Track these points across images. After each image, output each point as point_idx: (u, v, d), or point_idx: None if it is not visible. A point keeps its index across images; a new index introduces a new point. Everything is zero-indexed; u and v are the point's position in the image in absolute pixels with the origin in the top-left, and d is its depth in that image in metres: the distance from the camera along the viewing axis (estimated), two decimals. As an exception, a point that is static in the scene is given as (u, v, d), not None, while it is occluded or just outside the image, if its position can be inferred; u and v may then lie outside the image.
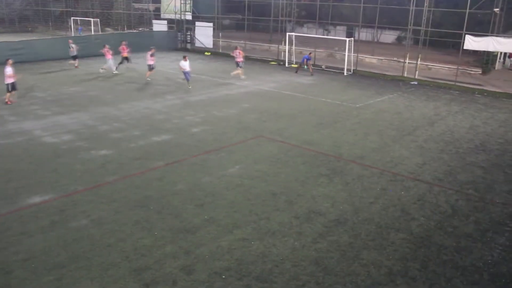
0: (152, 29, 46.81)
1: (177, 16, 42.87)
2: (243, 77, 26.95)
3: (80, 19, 54.44)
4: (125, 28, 53.41)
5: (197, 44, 41.72)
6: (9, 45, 33.11)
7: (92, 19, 51.35)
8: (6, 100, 19.83)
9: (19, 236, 9.15)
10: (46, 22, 64.07)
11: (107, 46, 28.49)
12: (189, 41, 42.09)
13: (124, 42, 29.06)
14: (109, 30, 54.25)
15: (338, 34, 41.49)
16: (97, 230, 9.39)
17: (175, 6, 43.16)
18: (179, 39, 42.40)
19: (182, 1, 42.46)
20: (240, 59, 27.22)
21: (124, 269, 8.08)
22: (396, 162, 13.72)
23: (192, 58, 36.18)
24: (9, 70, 19.44)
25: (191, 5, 43.49)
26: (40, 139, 15.23)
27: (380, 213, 10.47)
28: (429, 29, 30.93)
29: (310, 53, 30.70)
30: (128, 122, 17.29)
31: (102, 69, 28.50)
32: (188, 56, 24.85)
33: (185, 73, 24.07)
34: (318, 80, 27.56)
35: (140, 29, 50.23)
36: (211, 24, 40.95)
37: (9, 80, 19.60)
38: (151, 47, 28.26)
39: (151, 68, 26.14)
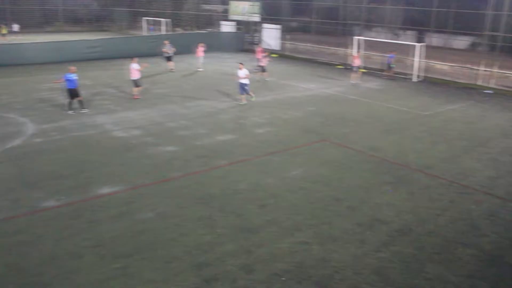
0: (220, 30, 47.65)
1: (245, 18, 43.38)
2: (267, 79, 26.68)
3: (152, 19, 56.35)
4: (194, 29, 54.68)
5: (264, 46, 41.94)
6: (87, 43, 34.89)
7: (163, 20, 53.02)
8: (134, 95, 21.16)
9: (89, 224, 9.62)
10: (121, 22, 66.88)
11: (201, 45, 30.35)
12: (256, 42, 42.42)
13: (200, 44, 30.16)
14: (179, 30, 55.78)
15: (408, 39, 40.33)
16: (162, 224, 9.68)
17: (243, 8, 43.72)
18: (246, 40, 42.88)
19: (250, 3, 42.92)
20: (263, 62, 26.86)
21: (186, 263, 8.27)
22: (467, 174, 13.13)
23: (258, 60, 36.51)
24: (135, 66, 20.56)
25: (259, 7, 43.83)
26: (111, 133, 15.93)
27: (448, 226, 10.07)
28: (509, 35, 29.39)
29: (392, 52, 29.66)
30: (194, 120, 17.71)
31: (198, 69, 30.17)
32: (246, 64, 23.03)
33: (240, 84, 20.57)
34: (385, 85, 26.94)
35: (208, 29, 51.25)
36: (278, 26, 41.09)
37: (134, 77, 20.69)
38: (200, 43, 29.94)
39: (263, 69, 26.66)
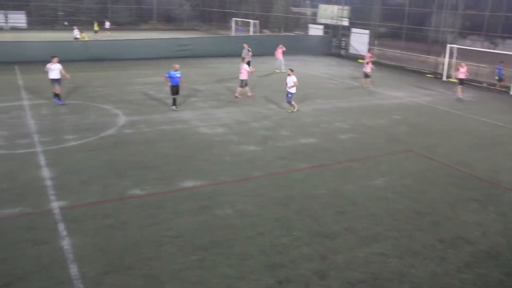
0: (307, 33, 47.59)
1: (334, 22, 42.98)
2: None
3: (241, 20, 57.50)
4: (282, 31, 55.06)
5: (351, 51, 41.37)
6: (178, 41, 36.34)
7: (251, 21, 53.91)
8: (237, 95, 21.86)
9: (171, 215, 10.00)
10: (210, 22, 68.95)
11: (280, 46, 30.48)
12: (343, 47, 41.94)
13: (280, 45, 30.28)
14: (266, 32, 56.43)
15: (508, 48, 37.89)
16: (240, 221, 9.84)
17: (332, 11, 43.34)
18: (333, 44, 42.48)
19: (340, 7, 42.47)
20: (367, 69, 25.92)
21: (261, 263, 8.34)
22: None
23: (345, 64, 36.16)
24: (245, 67, 21.29)
25: (349, 11, 43.23)
26: (197, 129, 16.46)
27: (542, 252, 9.34)
28: None
29: (500, 63, 27.94)
30: (277, 122, 17.84)
31: (277, 69, 30.47)
32: (293, 71, 19.71)
33: (287, 92, 19.23)
34: (478, 97, 25.51)
35: (296, 32, 51.38)
36: (367, 31, 40.29)
37: (243, 77, 21.37)
38: (280, 45, 29.87)
39: (366, 75, 26.23)
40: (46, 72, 18.98)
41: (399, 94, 24.89)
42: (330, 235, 9.41)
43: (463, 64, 25.12)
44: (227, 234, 9.28)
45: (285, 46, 31.25)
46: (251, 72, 20.97)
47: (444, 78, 31.27)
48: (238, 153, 14.12)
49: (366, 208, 10.77)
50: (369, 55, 28.91)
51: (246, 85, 21.71)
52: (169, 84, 18.74)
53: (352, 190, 11.73)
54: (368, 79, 26.29)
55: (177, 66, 18.69)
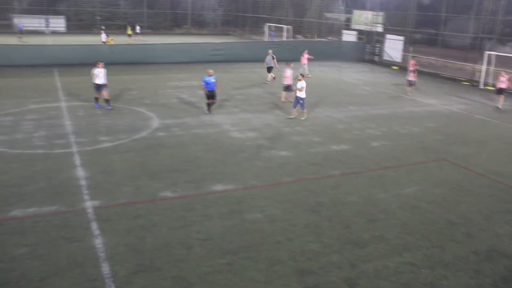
0: (341, 39, 47.32)
1: (368, 28, 42.60)
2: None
3: (274, 25, 57.66)
4: (315, 36, 54.94)
5: (385, 57, 40.89)
6: (212, 46, 36.71)
7: (285, 26, 53.98)
8: (282, 99, 22.05)
9: (201, 218, 10.08)
10: (244, 27, 69.41)
11: (305, 52, 30.25)
12: (377, 53, 41.50)
13: (306, 51, 30.25)
14: (299, 37, 56.40)
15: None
16: (269, 226, 9.84)
17: (366, 17, 42.99)
18: (367, 50, 42.08)
19: (374, 13, 42.07)
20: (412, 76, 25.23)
21: (289, 268, 8.31)
22: None
23: (378, 71, 35.79)
24: (289, 72, 21.39)
25: (383, 16, 42.79)
26: (228, 133, 16.57)
27: None
28: None
29: None
30: (309, 128, 17.78)
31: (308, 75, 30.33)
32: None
33: (296, 97, 18.67)
34: (517, 106, 24.82)
35: (329, 38, 51.18)
36: (401, 38, 39.76)
37: (287, 81, 21.51)
38: (305, 50, 29.86)
39: (410, 83, 25.74)
40: (91, 77, 19.11)
41: (433, 101, 24.45)
42: (361, 243, 9.31)
43: (503, 72, 24.19)
44: (256, 239, 9.30)
45: (318, 52, 31.19)
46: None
47: (481, 86, 30.54)
48: (269, 158, 14.14)
49: (398, 216, 10.60)
50: (413, 62, 28.34)
51: (291, 90, 21.70)
52: (205, 90, 18.76)
53: (384, 198, 11.58)
54: (411, 87, 25.73)
55: (211, 71, 18.75)
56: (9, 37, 44.50)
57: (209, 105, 19.05)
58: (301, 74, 18.73)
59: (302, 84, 18.05)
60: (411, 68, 26.12)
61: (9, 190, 11.11)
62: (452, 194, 12.12)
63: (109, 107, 19.34)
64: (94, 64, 19.24)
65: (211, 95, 18.83)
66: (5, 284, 7.56)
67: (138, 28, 55.76)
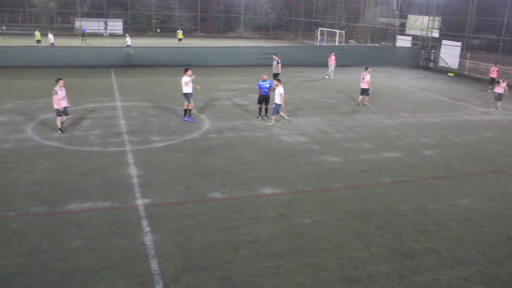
0: (394, 44, 46.37)
1: (423, 33, 41.52)
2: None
3: (326, 30, 57.25)
4: (368, 41, 54.12)
5: (441, 64, 39.71)
6: (262, 50, 36.90)
7: (337, 31, 53.49)
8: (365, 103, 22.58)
9: (249, 220, 10.14)
10: (296, 31, 69.36)
11: (332, 53, 31.23)
12: (432, 59, 40.36)
13: (333, 53, 31.31)
14: (352, 42, 55.73)
15: None
16: (317, 232, 9.75)
17: (422, 22, 41.90)
18: (422, 56, 40.99)
19: (431, 18, 40.95)
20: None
21: (336, 275, 8.21)
22: None
23: (433, 77, 34.84)
24: (367, 76, 21.90)
25: (439, 21, 41.57)
26: (279, 137, 16.58)
27: None
28: None
29: None
30: (360, 134, 17.51)
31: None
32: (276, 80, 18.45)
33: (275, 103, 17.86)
34: None
35: (382, 43, 50.28)
36: (459, 44, 38.47)
37: (364, 86, 22.04)
38: (332, 52, 30.76)
39: (498, 97, 23.63)
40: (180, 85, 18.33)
41: (491, 110, 23.49)
42: (410, 254, 9.06)
43: None
44: (304, 244, 9.24)
45: (371, 58, 30.91)
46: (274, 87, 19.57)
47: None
48: (319, 163, 14.03)
49: (450, 228, 10.25)
50: (495, 68, 26.87)
51: (367, 94, 22.16)
52: (259, 94, 18.71)
53: (436, 209, 11.22)
54: (500, 102, 23.69)
55: (265, 76, 18.75)
56: (72, 39, 46.46)
57: (260, 109, 19.08)
58: (278, 80, 18.15)
59: (280, 90, 17.42)
60: (501, 81, 23.51)
61: (67, 185, 11.59)
62: (509, 207, 11.59)
63: (191, 120, 18.13)
64: (184, 71, 18.20)
65: (263, 99, 18.82)
66: (62, 273, 7.90)
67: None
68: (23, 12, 60.95)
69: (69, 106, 16.36)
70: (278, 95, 17.50)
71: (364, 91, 22.14)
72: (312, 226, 10.01)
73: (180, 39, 51.36)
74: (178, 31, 53.24)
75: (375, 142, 16.56)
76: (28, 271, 7.94)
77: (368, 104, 22.49)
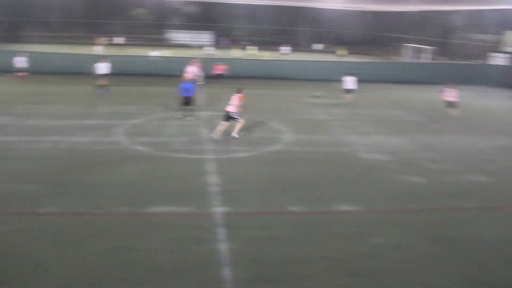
0: (488, 62, 43.90)
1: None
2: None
3: (414, 46, 55.51)
4: (460, 59, 51.73)
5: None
6: (345, 65, 36.51)
7: (426, 47, 51.67)
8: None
9: (324, 236, 10.06)
10: (382, 47, 67.99)
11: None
12: None
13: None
14: (442, 60, 53.58)
15: None
16: (393, 254, 9.43)
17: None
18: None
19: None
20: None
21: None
22: None
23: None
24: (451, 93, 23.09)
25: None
26: (359, 154, 16.29)
27: None
28: None
29: None
30: (444, 155, 16.71)
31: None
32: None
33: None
34: None
35: (474, 60, 47.83)
36: None
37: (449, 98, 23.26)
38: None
39: None
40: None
41: None
42: (494, 285, 8.53)
43: None
44: (378, 264, 9.01)
45: (461, 76, 29.27)
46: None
47: None
48: (398, 183, 13.63)
49: (540, 260, 9.53)
50: None
51: (454, 107, 22.73)
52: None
53: (527, 240, 10.47)
54: None
55: (187, 77, 20.26)
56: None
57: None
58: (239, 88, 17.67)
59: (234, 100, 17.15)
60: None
61: (150, 189, 12.20)
62: None
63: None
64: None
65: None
66: (141, 272, 8.33)
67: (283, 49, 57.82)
68: (123, 24, 64.86)
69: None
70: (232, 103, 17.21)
71: (449, 104, 23.24)
72: (387, 246, 9.65)
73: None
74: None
75: (461, 164, 15.69)
76: (107, 266, 8.46)
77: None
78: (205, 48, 46.17)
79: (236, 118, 17.26)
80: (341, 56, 52.06)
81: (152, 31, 65.67)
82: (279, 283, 8.20)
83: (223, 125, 17.26)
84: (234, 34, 67.00)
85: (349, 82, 26.36)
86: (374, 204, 11.94)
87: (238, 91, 17.50)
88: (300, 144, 17.08)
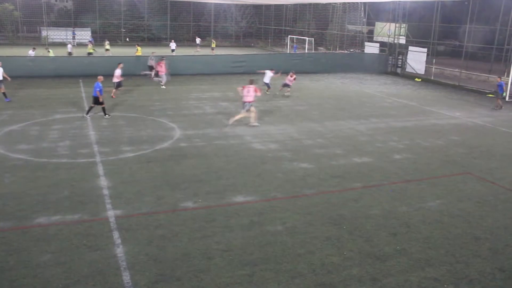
0: (363, 51, 47.18)
1: (390, 40, 42.37)
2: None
3: (296, 38, 57.83)
4: (337, 49, 54.88)
5: (408, 69, 40.56)
6: (233, 58, 36.96)
7: (307, 38, 54.10)
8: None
9: (222, 229, 10.09)
10: (266, 39, 69.80)
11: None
12: (399, 65, 41.19)
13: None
14: (321, 50, 56.42)
15: None
16: (290, 238, 9.78)
17: (389, 29, 42.76)
18: (389, 62, 41.80)
19: (397, 25, 41.83)
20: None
21: (310, 281, 8.24)
22: None
23: (401, 83, 35.58)
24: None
25: (406, 28, 42.50)
26: (250, 145, 16.60)
27: None
28: None
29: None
30: (331, 140, 17.70)
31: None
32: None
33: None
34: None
35: (351, 50, 51.05)
36: (424, 50, 39.41)
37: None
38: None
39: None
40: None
41: (457, 114, 24.11)
42: (382, 257, 9.18)
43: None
44: (277, 251, 9.25)
45: (340, 64, 31.07)
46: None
47: (508, 99, 29.97)
48: (290, 170, 14.10)
49: (420, 230, 10.44)
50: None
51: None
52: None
53: (406, 212, 11.42)
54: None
55: (101, 78, 19.75)
56: (40, 49, 45.54)
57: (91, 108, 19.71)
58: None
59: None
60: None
61: (35, 198, 11.32)
62: (476, 208, 11.88)
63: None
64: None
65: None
66: (28, 291, 7.68)
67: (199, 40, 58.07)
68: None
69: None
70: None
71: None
72: (284, 232, 10.02)
73: (212, 48, 53.49)
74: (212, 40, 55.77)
75: (346, 147, 16.77)
76: (-9, 291, 7.71)
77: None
78: (68, 45, 43.77)
79: (248, 109, 18.89)
80: (214, 49, 52.75)
81: (23, 29, 60.86)
82: (180, 281, 8.08)
83: (243, 114, 19.07)
84: (112, 30, 64.38)
85: (266, 76, 26.84)
86: (268, 193, 12.23)
87: (251, 83, 18.84)
88: (191, 140, 16.94)
